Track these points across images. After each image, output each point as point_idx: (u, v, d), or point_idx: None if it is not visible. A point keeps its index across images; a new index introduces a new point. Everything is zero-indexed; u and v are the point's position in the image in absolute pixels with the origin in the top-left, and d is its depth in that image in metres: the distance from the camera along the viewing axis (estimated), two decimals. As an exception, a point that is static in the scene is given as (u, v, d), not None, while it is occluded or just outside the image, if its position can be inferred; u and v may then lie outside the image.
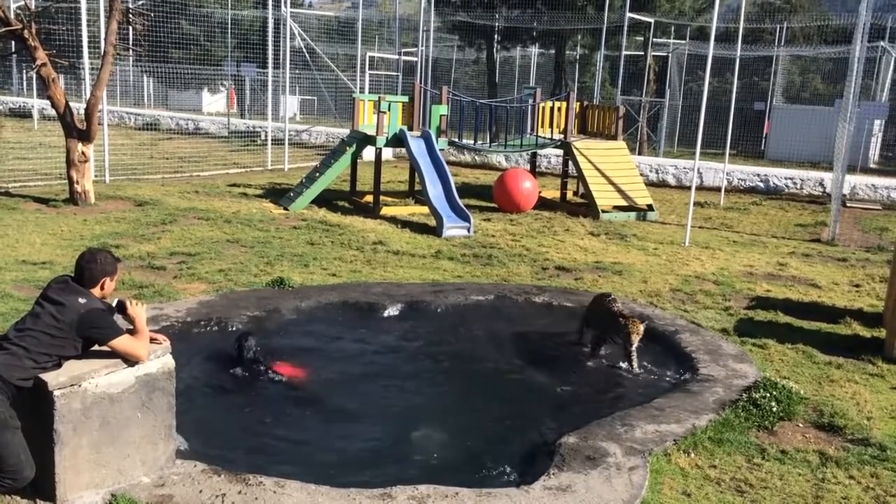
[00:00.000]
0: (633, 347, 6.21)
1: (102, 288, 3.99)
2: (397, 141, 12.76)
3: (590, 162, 13.38)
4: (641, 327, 6.21)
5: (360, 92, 18.79)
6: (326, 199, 12.80)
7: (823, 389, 5.82)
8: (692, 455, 4.66)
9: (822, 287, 8.90)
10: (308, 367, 6.00)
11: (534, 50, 29.21)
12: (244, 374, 5.81)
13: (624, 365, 6.29)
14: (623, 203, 13.14)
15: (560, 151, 14.88)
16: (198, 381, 5.63)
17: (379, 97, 12.58)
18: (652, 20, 21.07)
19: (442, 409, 5.57)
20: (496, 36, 24.93)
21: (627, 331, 6.20)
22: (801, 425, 5.17)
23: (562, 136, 13.86)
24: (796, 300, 8.25)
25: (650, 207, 13.22)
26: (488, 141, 14.78)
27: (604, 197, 13.06)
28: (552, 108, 14.04)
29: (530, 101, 14.35)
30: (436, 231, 11.03)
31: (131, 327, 4.03)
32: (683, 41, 23.38)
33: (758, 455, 4.70)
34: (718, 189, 15.42)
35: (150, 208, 11.55)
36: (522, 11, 22.82)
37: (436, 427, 5.19)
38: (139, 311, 4.05)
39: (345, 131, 16.44)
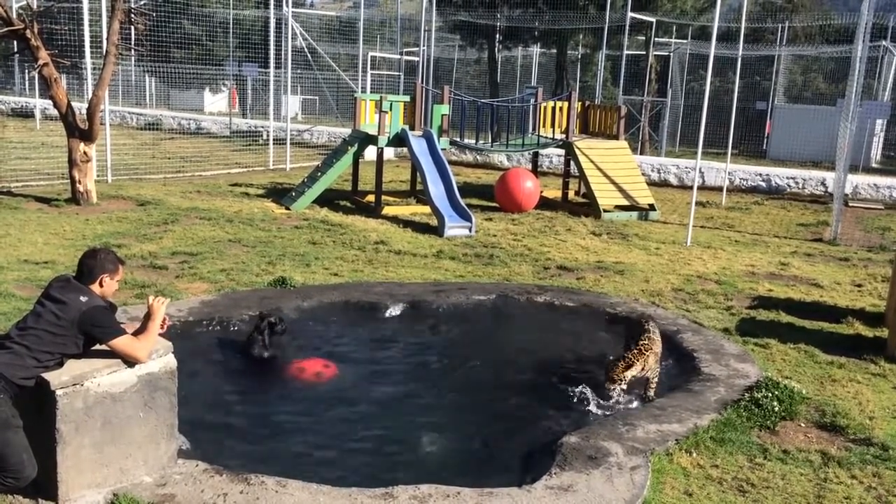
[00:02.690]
0: (610, 390, 5.54)
1: (101, 285, 3.98)
2: (399, 140, 12.76)
3: (591, 161, 13.37)
4: (621, 375, 5.48)
5: (362, 91, 18.80)
6: (328, 199, 12.80)
7: (825, 389, 5.82)
8: (694, 455, 4.66)
9: (825, 287, 8.89)
10: (334, 365, 6.02)
11: (535, 49, 29.22)
12: (266, 355, 6.03)
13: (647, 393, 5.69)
14: (625, 203, 13.13)
15: (562, 151, 14.88)
16: (198, 380, 5.63)
17: (381, 97, 12.57)
18: (654, 20, 21.06)
19: (443, 408, 5.57)
20: (498, 35, 24.93)
21: (607, 369, 5.59)
22: (803, 425, 5.16)
23: (563, 135, 13.85)
24: (798, 300, 8.24)
25: (652, 207, 13.21)
26: (490, 140, 14.78)
27: (605, 196, 13.05)
28: (554, 108, 14.03)
29: (532, 100, 14.35)
30: (437, 231, 11.03)
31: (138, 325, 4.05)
32: (685, 41, 23.36)
33: (760, 455, 4.70)
34: (720, 189, 15.41)
35: (151, 208, 11.56)
36: (524, 11, 22.82)
37: (437, 426, 5.19)
38: (158, 308, 4.05)
39: (346, 131, 16.44)
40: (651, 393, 5.71)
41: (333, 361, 6.06)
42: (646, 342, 5.70)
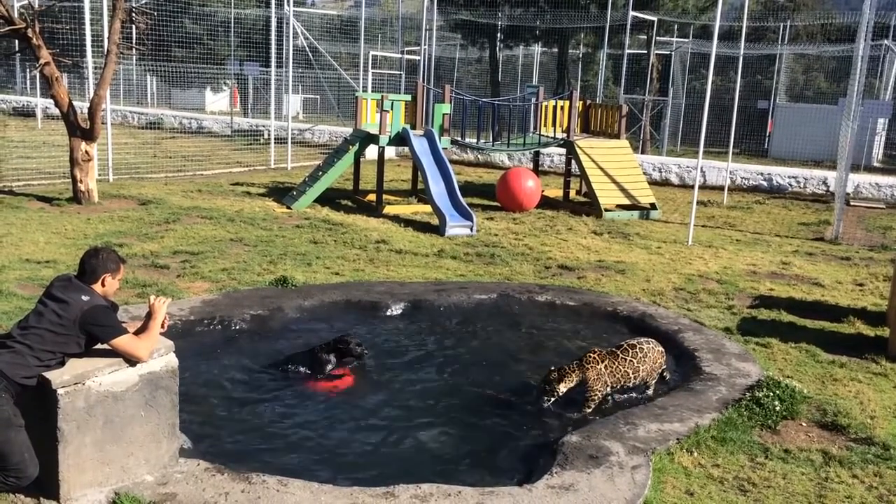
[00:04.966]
0: (543, 401, 5.46)
1: (103, 285, 3.98)
2: (400, 140, 12.76)
3: (593, 161, 13.37)
4: (554, 387, 5.40)
5: (363, 91, 18.79)
6: (329, 198, 12.80)
7: (827, 388, 5.82)
8: (695, 454, 4.66)
9: (826, 286, 8.89)
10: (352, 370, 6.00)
11: (537, 48, 29.20)
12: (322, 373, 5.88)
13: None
14: (626, 202, 13.13)
15: (563, 150, 14.88)
16: (198, 379, 5.63)
17: (382, 96, 12.58)
18: (655, 18, 21.05)
19: (444, 407, 5.57)
20: (499, 34, 24.93)
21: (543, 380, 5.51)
22: (804, 424, 5.16)
23: (565, 134, 13.85)
24: (800, 299, 8.24)
25: (653, 206, 13.21)
26: (491, 140, 14.78)
27: (607, 196, 13.05)
28: (555, 107, 14.03)
29: (533, 99, 14.34)
30: (439, 230, 11.03)
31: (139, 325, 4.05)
32: (687, 39, 23.34)
33: (761, 454, 4.70)
34: (721, 188, 15.40)
35: (153, 207, 11.56)
36: (525, 10, 22.83)
37: (438, 425, 5.19)
38: (159, 308, 4.05)
39: (348, 130, 16.45)
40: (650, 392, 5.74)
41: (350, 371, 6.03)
42: (588, 358, 5.50)
